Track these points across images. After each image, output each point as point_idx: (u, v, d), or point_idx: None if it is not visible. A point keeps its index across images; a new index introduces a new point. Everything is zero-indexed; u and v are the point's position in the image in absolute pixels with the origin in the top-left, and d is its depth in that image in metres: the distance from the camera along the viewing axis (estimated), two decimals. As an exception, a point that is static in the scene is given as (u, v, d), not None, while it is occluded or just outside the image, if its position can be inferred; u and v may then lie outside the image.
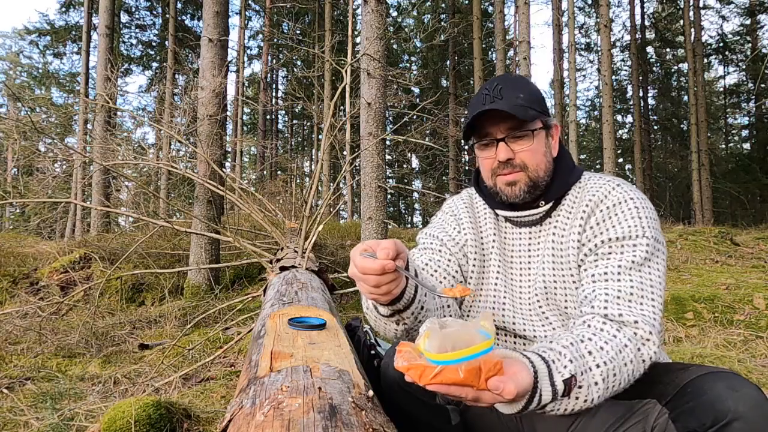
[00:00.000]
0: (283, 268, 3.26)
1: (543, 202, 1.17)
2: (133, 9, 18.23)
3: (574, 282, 1.13)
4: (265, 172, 16.37)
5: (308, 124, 22.34)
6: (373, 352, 1.74)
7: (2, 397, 2.48)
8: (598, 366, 0.89)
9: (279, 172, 17.63)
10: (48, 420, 2.10)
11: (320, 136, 14.85)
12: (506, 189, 1.16)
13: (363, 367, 1.38)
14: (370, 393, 1.07)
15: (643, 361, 0.95)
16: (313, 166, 20.69)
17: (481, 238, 1.27)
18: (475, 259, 1.26)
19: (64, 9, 17.22)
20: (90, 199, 9.04)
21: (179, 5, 17.04)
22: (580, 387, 0.87)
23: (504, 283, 1.24)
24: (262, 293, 3.29)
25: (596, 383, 0.88)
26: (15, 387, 2.65)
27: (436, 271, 1.22)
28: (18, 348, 3.42)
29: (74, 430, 2.03)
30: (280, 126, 22.40)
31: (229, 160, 14.94)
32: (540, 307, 1.18)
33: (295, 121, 23.18)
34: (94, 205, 7.87)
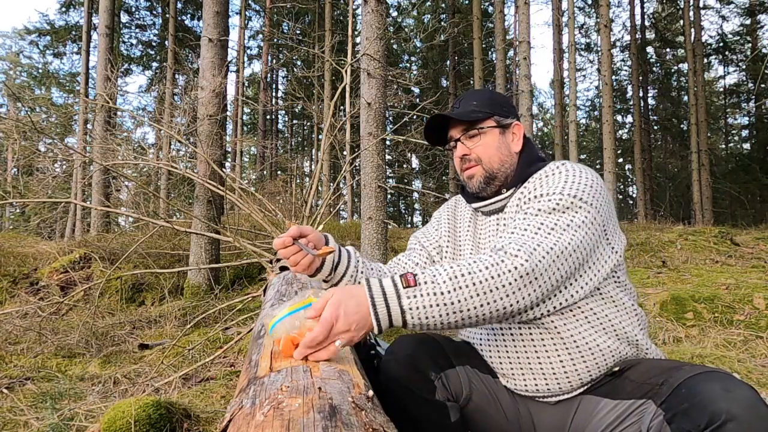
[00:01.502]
0: (283, 268, 3.26)
1: (504, 190, 1.29)
2: (133, 9, 18.24)
3: None
4: (265, 172, 16.37)
5: (308, 124, 22.35)
6: (373, 352, 1.74)
7: (2, 397, 2.48)
8: (445, 270, 0.96)
9: (279, 172, 17.64)
10: (48, 420, 2.10)
11: (320, 136, 14.86)
12: (469, 182, 1.32)
13: (363, 367, 1.39)
14: (370, 393, 1.07)
15: (506, 268, 0.96)
16: (313, 166, 20.70)
17: (456, 230, 1.43)
18: (448, 247, 1.42)
19: (64, 9, 17.23)
20: (90, 199, 9.04)
21: (179, 5, 17.04)
22: (418, 283, 0.94)
23: None
24: (262, 293, 3.29)
25: (443, 280, 0.94)
26: (15, 387, 2.65)
27: (406, 264, 1.44)
28: (18, 348, 3.42)
29: (74, 430, 2.03)
30: (280, 126, 22.41)
31: (229, 160, 14.95)
32: None
33: (295, 121, 23.18)
34: (94, 205, 7.87)
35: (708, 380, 0.88)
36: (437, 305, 0.93)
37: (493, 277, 0.95)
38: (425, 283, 0.94)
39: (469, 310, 0.94)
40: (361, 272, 1.30)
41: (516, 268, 0.96)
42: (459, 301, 0.93)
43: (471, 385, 1.20)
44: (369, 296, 0.95)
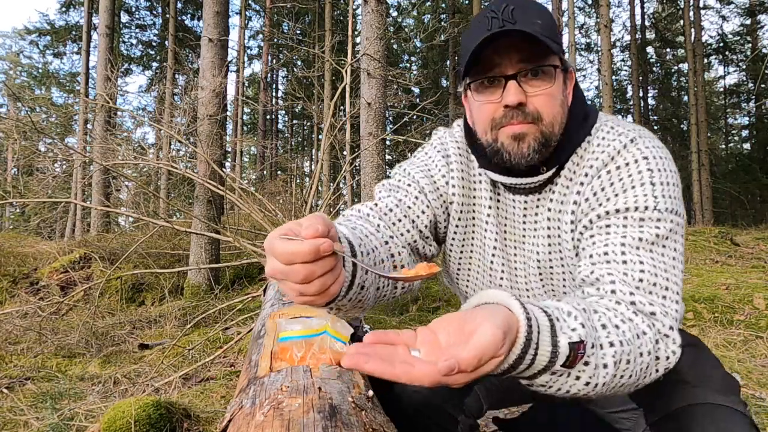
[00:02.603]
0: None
1: (544, 168, 0.93)
2: (133, 9, 18.24)
3: (572, 265, 0.95)
4: (265, 172, 16.37)
5: (308, 124, 22.34)
6: (373, 352, 1.74)
7: (2, 397, 2.48)
8: (611, 345, 0.68)
9: (279, 172, 17.64)
10: (48, 420, 2.10)
11: (320, 136, 14.85)
12: (511, 145, 0.88)
13: (363, 367, 1.38)
14: (370, 393, 1.07)
15: (658, 358, 0.75)
16: (313, 166, 20.70)
17: (473, 202, 1.05)
18: (458, 226, 1.05)
19: (64, 9, 17.22)
20: (90, 199, 9.04)
21: (179, 5, 17.04)
22: (586, 363, 0.65)
23: (502, 260, 1.04)
24: (262, 293, 3.29)
25: (605, 365, 0.67)
26: (15, 387, 2.65)
27: (400, 221, 0.97)
28: (18, 348, 3.42)
29: (74, 430, 2.03)
30: (280, 126, 22.41)
31: (229, 160, 14.95)
32: (537, 289, 1.02)
33: (295, 121, 23.18)
34: (94, 205, 7.87)
35: (706, 418, 0.80)
36: (580, 389, 0.68)
37: (646, 369, 0.74)
38: (586, 364, 0.66)
39: (604, 389, 0.71)
40: (361, 284, 0.78)
41: (668, 358, 0.76)
42: (603, 387, 0.70)
43: (488, 398, 1.16)
44: (531, 355, 0.63)
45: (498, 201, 1.03)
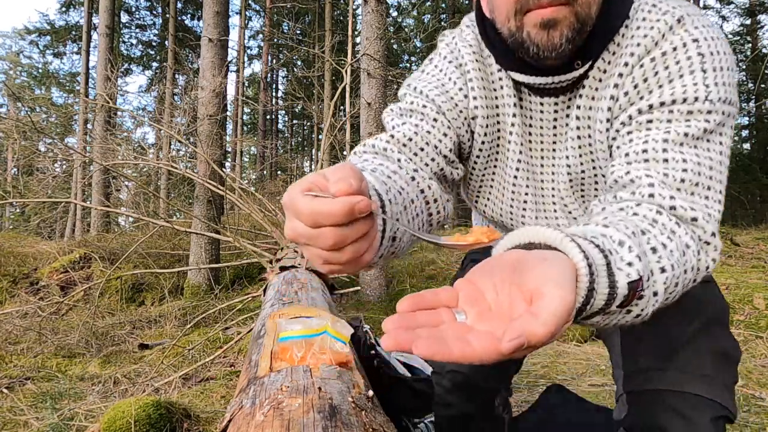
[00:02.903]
0: (283, 268, 3.26)
1: (579, 63, 0.79)
2: (133, 9, 18.24)
3: (605, 168, 0.85)
4: (265, 172, 16.37)
5: (308, 124, 22.35)
6: (373, 352, 1.73)
7: (2, 397, 2.48)
8: (663, 270, 0.60)
9: (279, 172, 17.64)
10: (48, 420, 2.10)
11: (320, 136, 14.85)
12: (539, 35, 0.75)
13: (363, 367, 1.38)
14: (370, 393, 1.07)
15: (698, 270, 0.68)
16: (313, 166, 20.70)
17: (496, 112, 0.91)
18: (483, 142, 0.92)
19: (64, 9, 17.23)
20: (90, 199, 9.04)
21: (179, 5, 17.04)
22: (640, 297, 0.58)
23: (526, 174, 0.93)
24: (262, 293, 3.29)
25: (656, 293, 0.60)
26: (15, 387, 2.65)
27: (422, 149, 0.84)
28: (18, 348, 3.42)
29: (74, 430, 2.03)
30: (280, 126, 22.42)
31: (229, 160, 14.95)
32: (565, 205, 0.92)
33: (295, 121, 23.19)
34: (94, 205, 7.87)
35: (676, 413, 0.78)
36: (626, 319, 0.61)
37: (687, 285, 0.68)
38: (639, 299, 0.58)
39: (648, 316, 0.64)
40: (392, 235, 0.68)
41: (708, 268, 0.69)
42: (651, 312, 0.62)
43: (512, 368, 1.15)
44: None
45: (522, 108, 0.89)
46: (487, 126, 0.91)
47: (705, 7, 17.14)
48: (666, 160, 0.70)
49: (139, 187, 6.04)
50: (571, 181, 0.89)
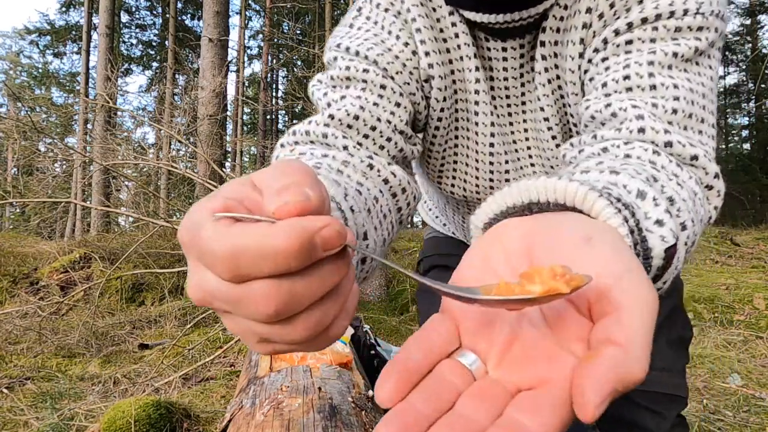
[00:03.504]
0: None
1: None
2: (133, 9, 18.25)
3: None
4: (265, 172, 16.36)
5: (308, 124, 22.32)
6: (373, 352, 1.74)
7: (2, 397, 2.48)
8: (684, 227, 0.45)
9: (279, 172, 17.62)
10: (48, 420, 2.10)
11: (320, 136, 14.81)
12: None
13: (363, 367, 1.39)
14: (370, 393, 1.07)
15: (704, 223, 0.54)
16: (313, 166, 20.65)
17: (452, 64, 0.74)
18: (442, 109, 0.75)
19: (64, 9, 17.23)
20: (90, 199, 9.05)
21: (179, 5, 17.05)
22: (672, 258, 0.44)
23: (502, 139, 0.78)
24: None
25: (679, 258, 0.46)
26: (15, 387, 2.65)
27: (374, 128, 0.64)
28: (18, 348, 3.42)
29: (74, 430, 2.03)
30: (280, 126, 22.42)
31: (229, 160, 14.96)
32: (552, 167, 0.81)
33: (295, 121, 23.19)
34: (94, 205, 7.87)
35: (646, 409, 0.77)
36: (660, 284, 0.47)
37: (705, 224, 0.55)
38: (672, 266, 0.44)
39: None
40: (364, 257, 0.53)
41: (714, 212, 0.56)
42: (673, 276, 0.48)
43: None
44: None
45: (482, 58, 0.74)
46: (444, 87, 0.73)
47: (705, 7, 17.13)
48: (654, 87, 0.56)
49: (139, 187, 6.04)
50: (554, 138, 0.74)
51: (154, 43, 19.04)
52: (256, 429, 0.85)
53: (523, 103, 0.76)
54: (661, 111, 0.55)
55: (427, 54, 0.71)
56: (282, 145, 0.65)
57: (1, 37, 20.09)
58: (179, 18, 16.87)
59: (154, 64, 19.01)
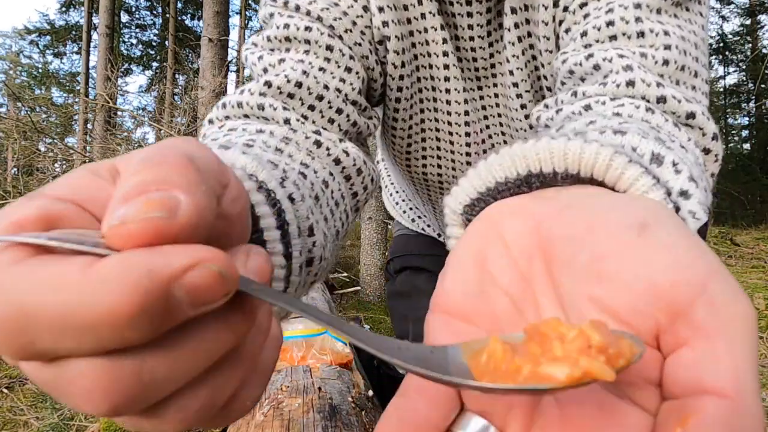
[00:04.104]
0: (283, 268, 3.26)
1: None
2: (133, 9, 18.26)
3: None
4: (265, 172, 16.38)
5: (308, 124, 22.35)
6: (373, 352, 1.73)
7: (2, 397, 2.48)
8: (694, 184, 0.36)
9: (279, 172, 17.64)
10: (48, 420, 2.10)
11: (320, 136, 14.82)
12: None
13: (363, 367, 1.39)
14: (370, 393, 1.07)
15: (712, 175, 0.49)
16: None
17: (410, 24, 0.64)
18: (402, 76, 0.65)
19: (64, 9, 17.25)
20: (90, 199, 9.04)
21: (179, 5, 17.05)
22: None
23: (475, 106, 0.70)
24: (262, 293, 3.29)
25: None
26: (15, 387, 2.65)
27: (321, 98, 0.53)
28: (18, 348, 3.43)
29: (74, 430, 2.04)
30: (280, 126, 22.45)
31: (229, 160, 14.94)
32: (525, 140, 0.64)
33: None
34: (94, 205, 7.88)
35: None
36: None
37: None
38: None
39: None
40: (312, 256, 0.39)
41: (711, 177, 0.50)
42: None
43: None
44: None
45: (447, 14, 0.64)
46: (402, 50, 0.63)
47: (705, 7, 17.13)
48: (641, 34, 0.48)
49: (139, 187, 6.04)
50: (523, 107, 0.66)
51: (154, 43, 19.05)
52: (256, 429, 0.85)
53: (492, 66, 0.67)
54: (650, 62, 0.47)
55: (380, 10, 0.59)
56: (210, 121, 0.54)
57: (1, 37, 20.08)
58: (179, 18, 16.87)
59: (154, 64, 19.01)
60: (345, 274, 5.17)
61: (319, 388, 0.99)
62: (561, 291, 0.23)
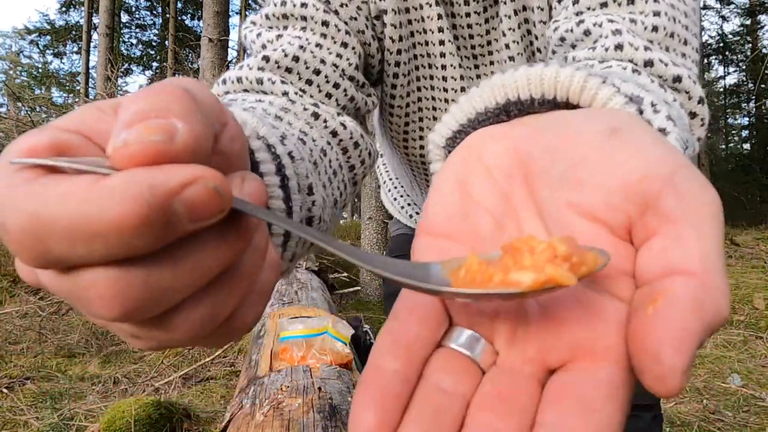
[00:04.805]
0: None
1: None
2: (133, 9, 18.27)
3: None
4: (265, 172, 16.38)
5: (308, 124, 22.35)
6: (373, 351, 1.74)
7: (2, 397, 2.48)
8: (686, 147, 0.37)
9: (279, 172, 17.64)
10: (48, 420, 2.10)
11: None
12: None
13: (363, 367, 1.39)
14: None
15: (694, 150, 0.46)
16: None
17: (411, 5, 0.65)
18: (399, 51, 0.66)
19: (64, 9, 17.25)
20: (90, 199, 9.06)
21: (179, 5, 17.06)
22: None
23: (470, 84, 0.71)
24: (262, 293, 3.29)
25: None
26: (15, 387, 2.65)
27: (318, 72, 0.54)
28: (18, 348, 3.42)
29: (74, 430, 2.04)
30: (280, 126, 22.46)
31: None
32: None
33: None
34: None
35: None
36: None
37: (691, 156, 0.45)
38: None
39: None
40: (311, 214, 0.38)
41: (696, 144, 0.47)
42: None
43: None
44: None
45: (444, 2, 0.65)
46: (399, 24, 0.63)
47: (705, 7, 17.15)
48: (632, 1, 0.49)
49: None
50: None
51: (154, 43, 19.05)
52: (256, 429, 0.85)
53: (489, 43, 0.68)
54: (640, 27, 0.48)
55: None
56: (218, 94, 0.53)
57: (1, 37, 20.08)
58: (179, 18, 16.88)
59: (154, 64, 19.02)
60: (345, 274, 5.17)
61: (319, 388, 0.99)
62: (540, 202, 0.24)
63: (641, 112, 0.29)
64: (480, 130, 0.29)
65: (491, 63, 0.69)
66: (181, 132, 0.18)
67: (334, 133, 0.51)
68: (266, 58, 0.52)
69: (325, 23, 0.56)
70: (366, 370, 0.22)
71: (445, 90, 0.70)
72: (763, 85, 16.37)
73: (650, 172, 0.21)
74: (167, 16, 15.57)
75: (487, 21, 0.66)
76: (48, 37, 18.42)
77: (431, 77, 0.69)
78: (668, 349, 0.17)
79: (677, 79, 0.44)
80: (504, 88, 0.28)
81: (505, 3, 0.63)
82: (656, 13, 0.48)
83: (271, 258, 0.24)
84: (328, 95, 0.54)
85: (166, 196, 0.17)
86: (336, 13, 0.57)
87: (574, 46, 0.50)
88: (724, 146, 22.09)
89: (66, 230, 0.17)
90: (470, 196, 0.26)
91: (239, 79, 0.52)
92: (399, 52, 0.65)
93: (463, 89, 0.69)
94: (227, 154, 0.22)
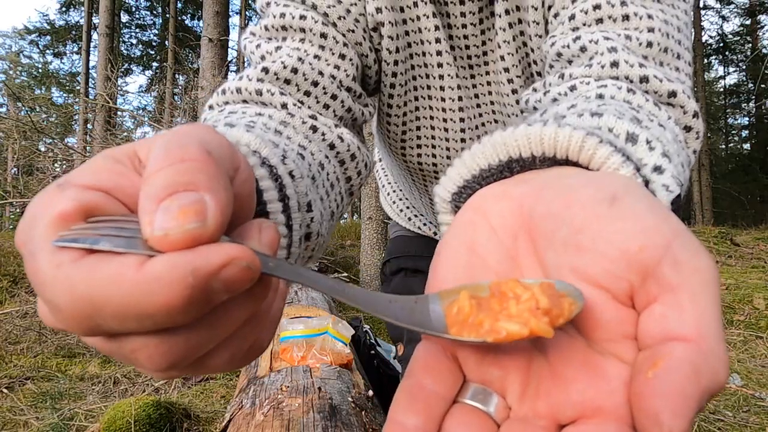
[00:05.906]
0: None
1: None
2: (133, 9, 18.28)
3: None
4: (265, 172, 16.37)
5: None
6: (373, 352, 1.74)
7: (2, 397, 2.48)
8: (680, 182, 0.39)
9: (279, 172, 17.64)
10: (48, 420, 2.10)
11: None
12: None
13: (363, 367, 1.38)
14: (370, 393, 1.07)
15: (690, 163, 0.47)
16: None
17: (403, 12, 0.66)
18: (396, 62, 0.66)
19: (64, 9, 17.26)
20: (90, 199, 9.04)
21: (179, 5, 17.06)
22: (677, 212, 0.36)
23: (469, 93, 0.72)
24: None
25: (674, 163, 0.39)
26: (15, 387, 2.65)
27: (316, 83, 0.55)
28: (18, 348, 3.42)
29: (74, 430, 2.04)
30: (280, 126, 22.45)
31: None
32: (515, 116, 0.73)
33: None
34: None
35: None
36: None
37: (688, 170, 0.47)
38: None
39: None
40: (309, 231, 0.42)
41: (693, 156, 0.50)
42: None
43: None
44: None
45: (438, 2, 0.66)
46: (396, 36, 0.64)
47: (705, 7, 17.16)
48: (626, 17, 0.50)
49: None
50: (515, 92, 0.68)
51: (154, 43, 19.05)
52: (256, 429, 0.85)
53: (485, 54, 0.69)
54: (635, 43, 0.49)
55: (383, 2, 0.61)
56: (210, 107, 0.54)
57: (1, 37, 20.08)
58: (179, 18, 16.88)
59: (154, 64, 19.02)
60: (345, 274, 5.17)
61: (319, 388, 0.99)
62: (545, 265, 0.25)
63: (635, 142, 0.31)
64: (485, 188, 0.30)
65: (487, 73, 0.70)
66: (211, 210, 0.20)
67: (331, 146, 0.52)
68: (265, 70, 0.53)
69: (323, 35, 0.57)
70: (387, 426, 0.23)
71: (442, 99, 0.71)
72: (763, 85, 16.38)
73: (649, 242, 0.22)
74: (167, 16, 15.58)
75: (483, 32, 0.67)
76: (48, 37, 18.42)
77: (428, 87, 0.70)
78: (667, 413, 0.18)
79: (672, 94, 0.46)
80: (506, 147, 0.30)
81: (500, 16, 0.64)
82: (650, 29, 0.50)
83: (280, 290, 0.27)
84: (326, 106, 0.56)
85: (206, 278, 0.19)
86: (334, 25, 0.58)
87: (570, 62, 0.51)
88: (724, 146, 22.09)
89: (117, 311, 0.19)
90: (477, 256, 0.27)
91: (238, 90, 0.52)
92: (396, 62, 0.66)
93: (459, 98, 0.70)
94: (239, 195, 0.24)
